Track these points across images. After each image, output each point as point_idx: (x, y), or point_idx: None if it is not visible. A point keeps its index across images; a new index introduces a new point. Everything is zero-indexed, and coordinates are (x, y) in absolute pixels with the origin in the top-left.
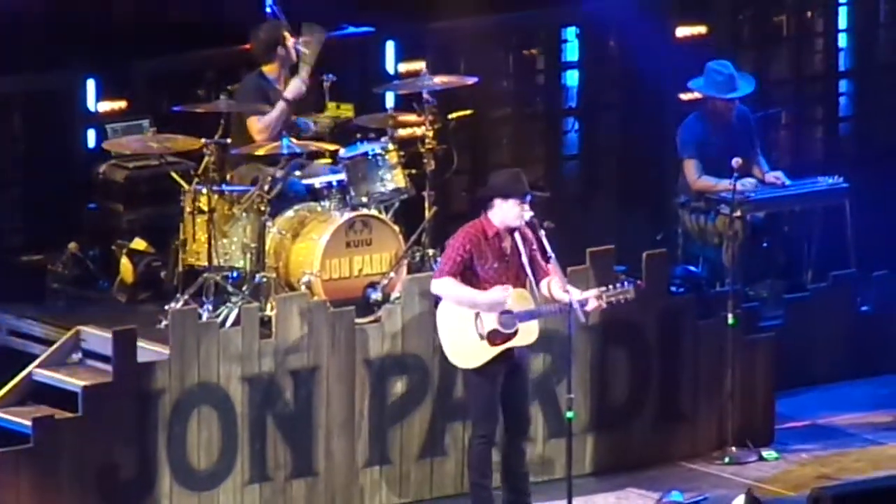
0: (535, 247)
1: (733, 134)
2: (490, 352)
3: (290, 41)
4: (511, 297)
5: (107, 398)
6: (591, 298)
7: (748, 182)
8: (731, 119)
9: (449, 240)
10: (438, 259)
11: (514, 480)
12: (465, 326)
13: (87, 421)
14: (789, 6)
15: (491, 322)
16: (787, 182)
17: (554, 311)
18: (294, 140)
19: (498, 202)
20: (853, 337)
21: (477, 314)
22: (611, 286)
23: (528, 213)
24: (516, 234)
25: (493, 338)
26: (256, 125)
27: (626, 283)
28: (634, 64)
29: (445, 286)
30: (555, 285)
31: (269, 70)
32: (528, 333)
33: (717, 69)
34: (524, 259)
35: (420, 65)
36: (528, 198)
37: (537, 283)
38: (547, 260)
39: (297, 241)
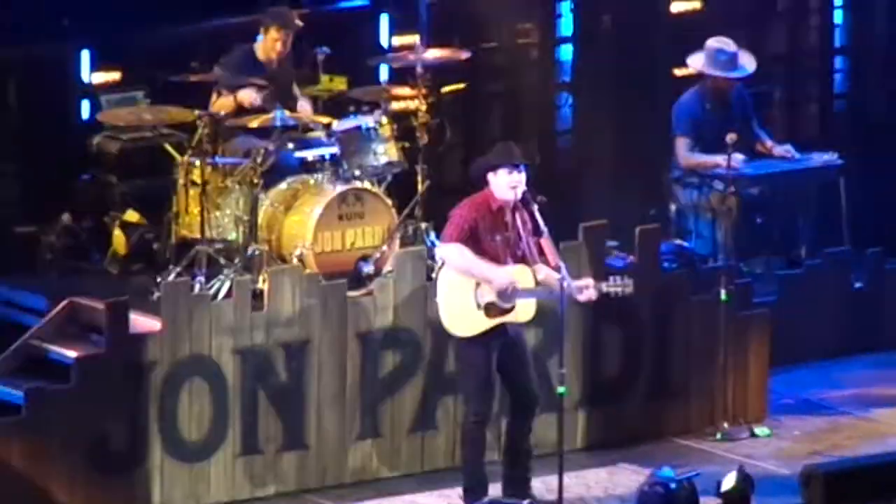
0: (530, 226)
1: (731, 111)
2: (485, 323)
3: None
4: (513, 272)
5: (99, 369)
6: (585, 288)
7: (739, 157)
8: (730, 97)
9: (454, 209)
10: (431, 233)
11: (516, 457)
12: (464, 294)
13: (78, 392)
14: None
15: (490, 294)
16: (797, 155)
17: (553, 292)
18: (287, 112)
19: (490, 177)
20: (846, 314)
21: (478, 284)
22: (611, 278)
23: (522, 188)
24: (516, 213)
25: (490, 309)
26: (213, 99)
27: (626, 278)
28: (628, 39)
29: (453, 252)
30: (545, 270)
31: (260, 47)
32: (525, 310)
33: (720, 47)
34: (523, 237)
35: (413, 38)
36: (521, 168)
37: (532, 265)
38: (540, 235)
39: (290, 213)
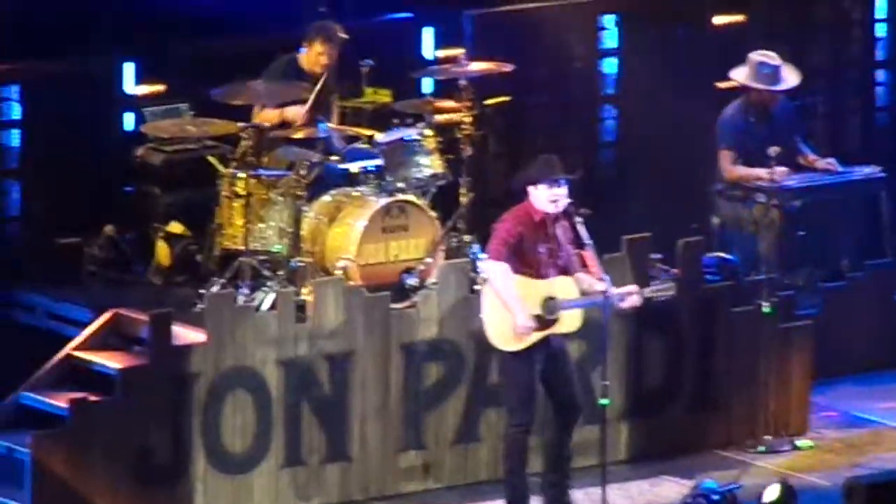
0: (572, 237)
1: (774, 124)
2: (531, 336)
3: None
4: (556, 283)
5: (142, 381)
6: (629, 295)
7: (782, 171)
8: (774, 110)
9: (497, 223)
10: (475, 245)
11: (556, 463)
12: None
13: (122, 404)
14: None
15: (535, 307)
16: (840, 168)
17: (596, 301)
18: (331, 125)
19: (530, 190)
20: (889, 326)
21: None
22: (654, 283)
23: (565, 201)
24: (559, 224)
25: (535, 322)
26: (256, 110)
27: (668, 282)
28: (672, 52)
29: (496, 271)
30: (588, 280)
31: (304, 58)
32: (570, 322)
33: (763, 60)
34: (566, 249)
35: (458, 51)
36: (561, 183)
37: (597, 270)
38: (583, 247)
39: (334, 225)
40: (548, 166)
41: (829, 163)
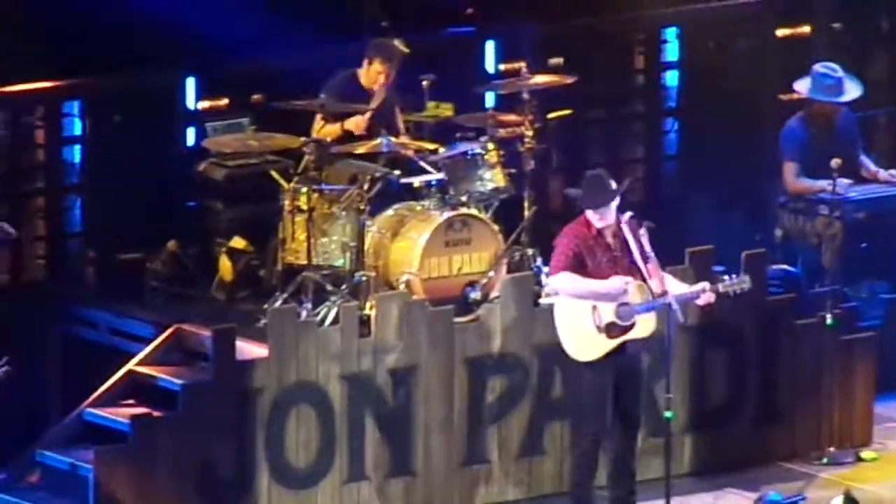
0: (636, 246)
1: (837, 136)
2: (608, 344)
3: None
4: (629, 288)
5: (206, 396)
6: (703, 292)
7: (844, 183)
8: (836, 122)
9: (556, 239)
10: (538, 259)
11: (620, 478)
12: (582, 319)
13: (185, 419)
14: (888, 7)
15: (609, 314)
16: None
17: (668, 302)
18: (394, 139)
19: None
20: None
21: (594, 307)
22: (727, 278)
23: (611, 215)
24: (625, 227)
25: (611, 330)
26: (316, 125)
27: (742, 275)
28: (734, 63)
29: (563, 280)
30: (657, 284)
31: (363, 75)
32: (645, 326)
33: (826, 72)
34: (635, 254)
35: (520, 64)
36: (609, 204)
37: (662, 282)
38: (647, 260)
39: (397, 239)
40: (593, 187)
41: (892, 174)
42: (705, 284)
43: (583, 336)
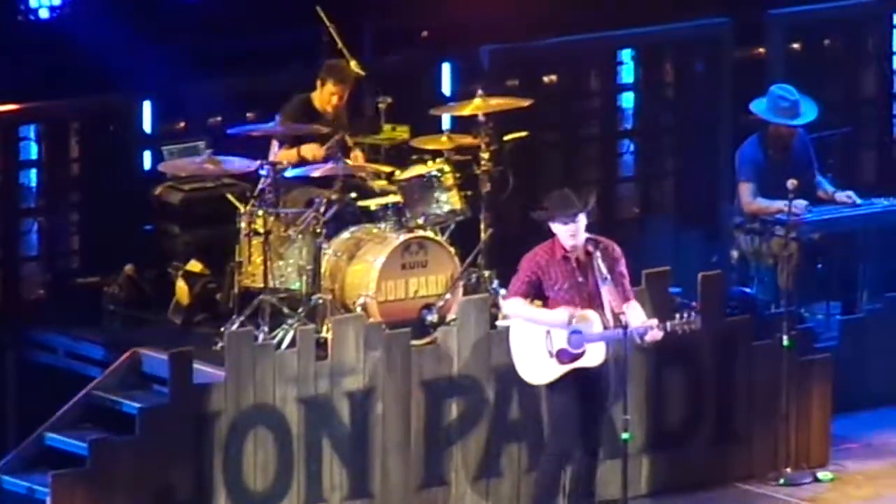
0: (616, 269)
1: (792, 158)
2: (558, 370)
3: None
4: (578, 317)
5: (163, 419)
6: (650, 329)
7: (801, 204)
8: (792, 143)
9: (521, 261)
10: (495, 281)
11: (580, 499)
12: (536, 344)
13: (143, 442)
14: (843, 29)
15: (561, 341)
16: (859, 201)
17: (619, 335)
18: (349, 162)
19: (552, 226)
20: None
21: (548, 332)
22: (676, 315)
23: (581, 235)
24: (597, 255)
25: (562, 356)
26: (273, 149)
27: (692, 315)
28: (690, 85)
29: (513, 307)
30: (637, 313)
31: (317, 97)
32: (595, 354)
33: (782, 94)
34: (600, 281)
35: (475, 87)
36: (576, 217)
37: (619, 305)
38: (604, 282)
39: (353, 262)
40: (561, 204)
41: (848, 195)
42: (654, 321)
43: (535, 360)
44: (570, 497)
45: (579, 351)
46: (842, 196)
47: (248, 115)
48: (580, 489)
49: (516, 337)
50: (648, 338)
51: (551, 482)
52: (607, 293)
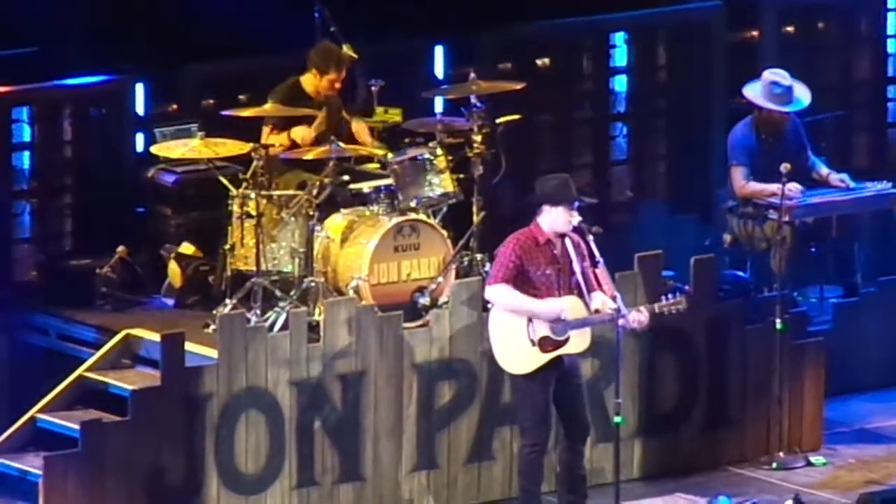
0: (585, 254)
1: (785, 141)
2: (541, 358)
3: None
4: (572, 305)
5: (155, 402)
6: (638, 313)
7: (794, 187)
8: (784, 127)
9: (499, 247)
10: (487, 264)
11: (571, 483)
12: (516, 332)
13: (135, 424)
14: (836, 12)
15: (543, 329)
16: (853, 185)
17: (605, 319)
18: (342, 144)
19: (547, 208)
20: None
21: (529, 320)
22: (663, 297)
23: (577, 219)
24: (567, 242)
25: (545, 344)
26: (265, 133)
27: (677, 294)
28: (683, 68)
29: (500, 293)
30: (601, 298)
31: (306, 81)
32: (580, 341)
33: (776, 80)
34: (576, 267)
35: (468, 70)
36: (577, 204)
37: (589, 293)
38: (595, 265)
39: (346, 245)
40: (567, 188)
41: (841, 178)
42: (641, 308)
43: (516, 349)
44: (561, 483)
45: (563, 338)
46: (835, 179)
47: (241, 97)
48: (571, 475)
49: (495, 325)
50: (636, 323)
51: (533, 471)
52: (601, 276)
